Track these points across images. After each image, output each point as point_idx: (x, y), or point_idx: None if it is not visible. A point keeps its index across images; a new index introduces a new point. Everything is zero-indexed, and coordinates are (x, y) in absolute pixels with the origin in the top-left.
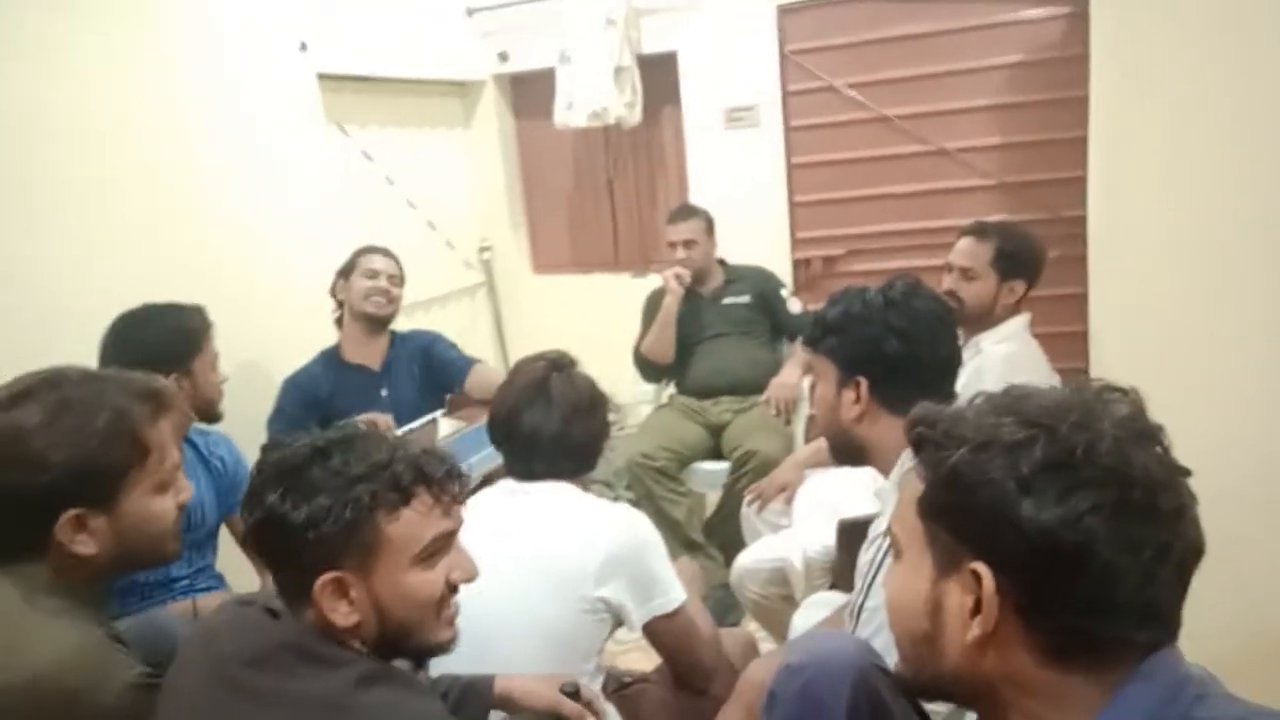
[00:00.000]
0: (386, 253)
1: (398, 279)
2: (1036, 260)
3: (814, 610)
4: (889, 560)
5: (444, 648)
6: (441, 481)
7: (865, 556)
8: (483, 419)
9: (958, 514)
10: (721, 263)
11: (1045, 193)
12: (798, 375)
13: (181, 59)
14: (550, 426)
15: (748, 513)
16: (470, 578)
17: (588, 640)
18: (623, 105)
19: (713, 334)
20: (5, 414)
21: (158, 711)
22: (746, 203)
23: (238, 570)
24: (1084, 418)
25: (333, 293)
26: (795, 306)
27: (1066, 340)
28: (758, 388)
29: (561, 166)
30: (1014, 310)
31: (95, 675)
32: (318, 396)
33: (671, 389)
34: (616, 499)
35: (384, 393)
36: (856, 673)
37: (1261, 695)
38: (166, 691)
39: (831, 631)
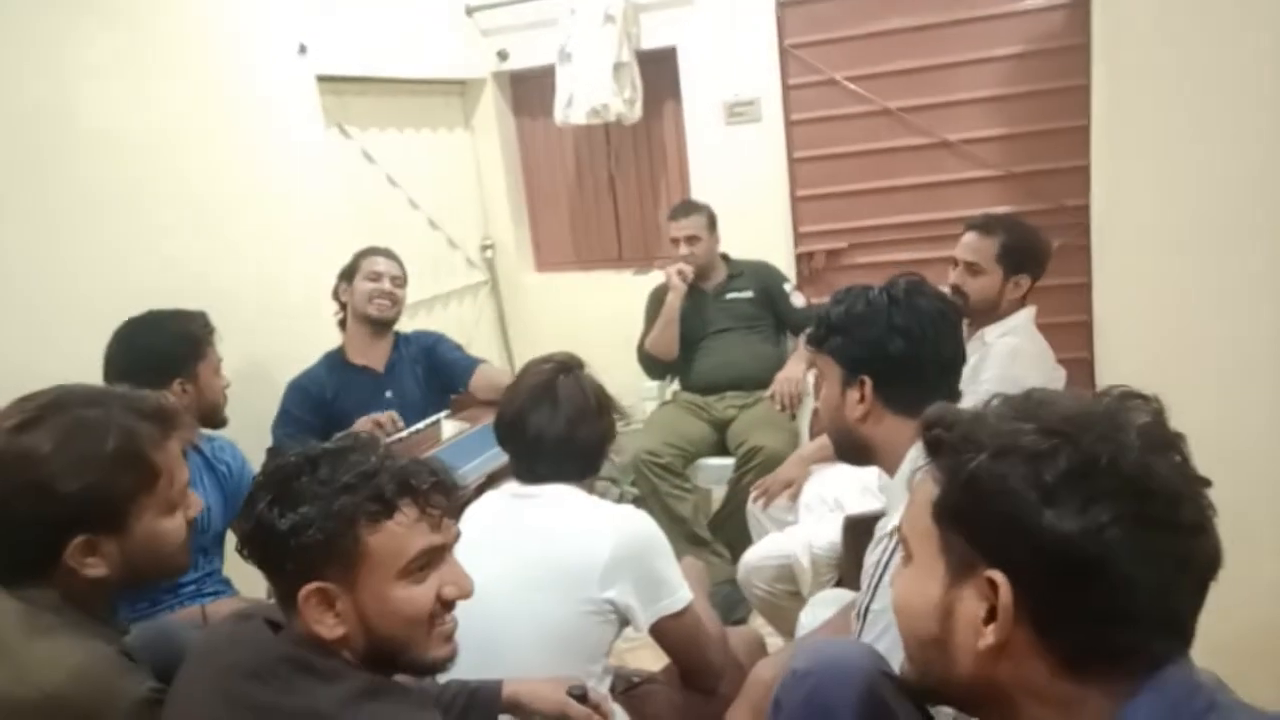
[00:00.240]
0: (389, 254)
1: (400, 280)
2: (1042, 254)
3: (821, 607)
4: (896, 561)
5: (439, 665)
6: (428, 494)
7: (871, 557)
8: (487, 419)
9: (975, 521)
10: (724, 258)
11: (1048, 183)
12: (802, 370)
13: (179, 65)
14: (555, 429)
15: (753, 509)
16: (464, 594)
17: (595, 642)
18: (623, 102)
19: (716, 329)
20: (14, 439)
21: None
22: (748, 197)
23: (245, 575)
24: (1107, 428)
25: (336, 295)
26: (799, 301)
27: (1070, 330)
28: (762, 383)
29: (563, 164)
30: (1019, 304)
31: (106, 693)
32: (322, 399)
33: (676, 385)
34: (621, 496)
35: (388, 394)
36: (864, 680)
37: (1270, 696)
38: (170, 706)
39: (837, 639)
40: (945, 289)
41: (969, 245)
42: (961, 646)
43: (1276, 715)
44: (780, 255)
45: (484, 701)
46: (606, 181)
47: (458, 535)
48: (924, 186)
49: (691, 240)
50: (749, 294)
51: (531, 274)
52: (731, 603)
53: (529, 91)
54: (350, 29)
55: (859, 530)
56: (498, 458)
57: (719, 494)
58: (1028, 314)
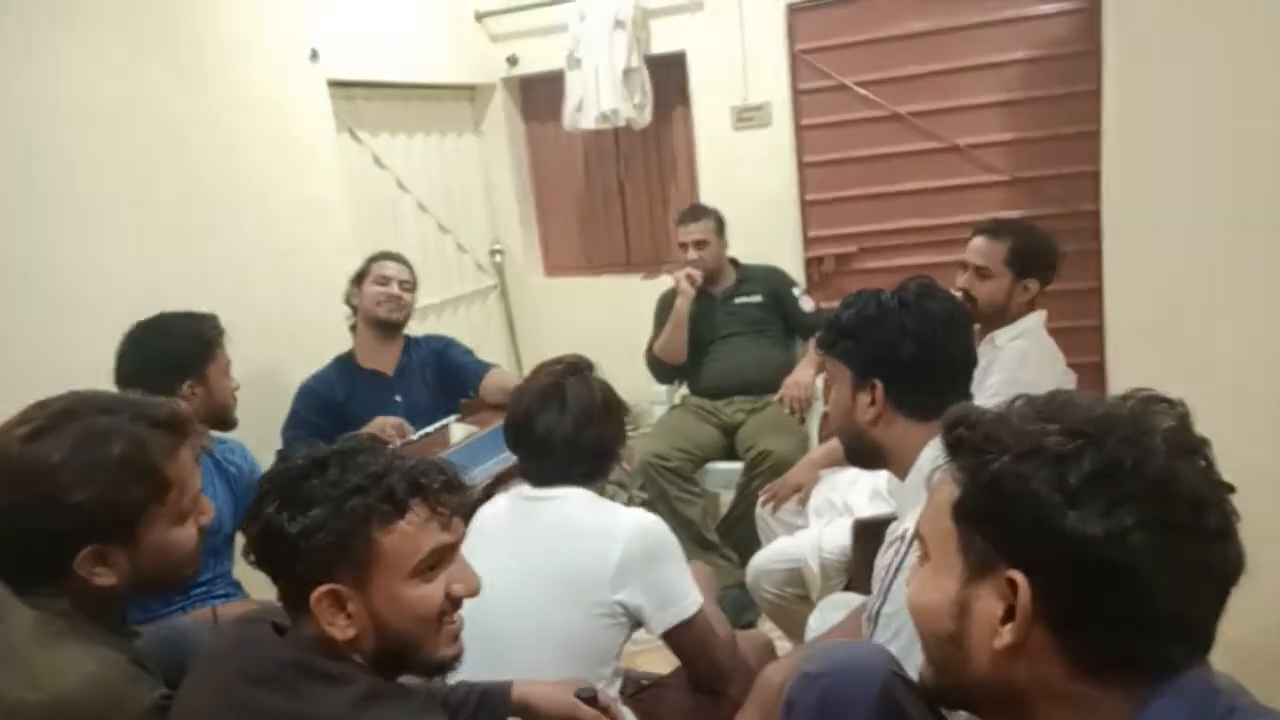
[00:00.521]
0: (399, 258)
1: (410, 284)
2: (1051, 258)
3: (830, 611)
4: (909, 562)
5: (447, 664)
6: (438, 493)
7: (882, 560)
8: (497, 423)
9: (997, 521)
10: (733, 262)
11: (1059, 187)
12: (811, 374)
13: (192, 70)
14: (562, 430)
15: (762, 513)
16: (472, 592)
17: (605, 645)
18: (632, 107)
19: (725, 334)
20: (25, 449)
21: None
22: (758, 202)
23: (255, 578)
24: (1132, 431)
25: (346, 299)
26: (808, 305)
27: (1082, 335)
28: (771, 387)
29: (572, 168)
30: (1029, 308)
31: (117, 699)
32: (332, 402)
33: (684, 390)
34: (630, 500)
35: (398, 398)
36: (877, 682)
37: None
38: (176, 711)
39: (850, 641)
40: (954, 293)
41: (977, 249)
42: (977, 644)
43: None
44: (789, 260)
45: (493, 703)
46: (615, 186)
47: (464, 534)
48: (934, 191)
49: (700, 245)
50: (758, 298)
51: (540, 278)
52: (740, 606)
53: (538, 97)
54: (361, 34)
55: (870, 534)
56: (507, 460)
57: (727, 498)
58: (1038, 318)
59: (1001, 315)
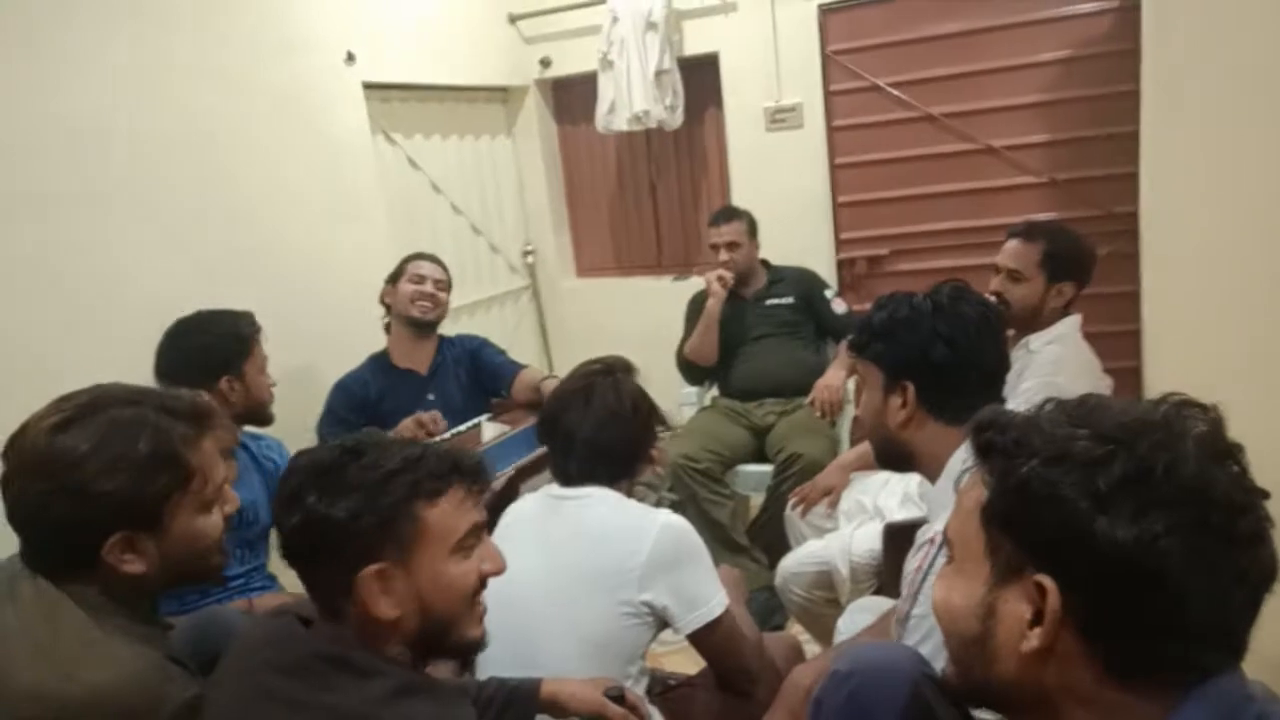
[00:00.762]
0: (434, 259)
1: (444, 284)
2: (1086, 262)
3: (859, 614)
4: (938, 566)
5: (477, 645)
6: (474, 472)
7: (912, 563)
8: (528, 423)
9: (1026, 526)
10: (765, 264)
11: (1095, 189)
12: (842, 377)
13: (230, 72)
14: (584, 430)
15: (792, 516)
16: (499, 569)
17: (632, 644)
18: (664, 108)
19: (756, 336)
20: (52, 440)
21: None
22: (789, 203)
23: (291, 571)
24: (1164, 436)
25: (381, 299)
26: (839, 307)
27: (1119, 339)
28: (802, 389)
29: (604, 170)
30: (1063, 312)
31: (153, 696)
32: (366, 400)
33: (714, 391)
34: (659, 501)
35: (431, 396)
36: (906, 682)
37: None
38: (206, 702)
39: (880, 641)
40: (988, 296)
41: (1011, 252)
42: (1004, 647)
43: None
44: (821, 261)
45: (522, 700)
46: (647, 188)
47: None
48: (967, 193)
49: (732, 246)
50: (789, 300)
51: (572, 279)
52: (769, 609)
53: (571, 98)
54: (396, 37)
55: (900, 537)
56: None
57: (757, 500)
58: (1073, 322)
59: (1035, 319)
